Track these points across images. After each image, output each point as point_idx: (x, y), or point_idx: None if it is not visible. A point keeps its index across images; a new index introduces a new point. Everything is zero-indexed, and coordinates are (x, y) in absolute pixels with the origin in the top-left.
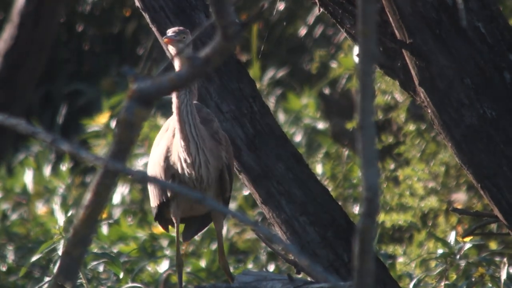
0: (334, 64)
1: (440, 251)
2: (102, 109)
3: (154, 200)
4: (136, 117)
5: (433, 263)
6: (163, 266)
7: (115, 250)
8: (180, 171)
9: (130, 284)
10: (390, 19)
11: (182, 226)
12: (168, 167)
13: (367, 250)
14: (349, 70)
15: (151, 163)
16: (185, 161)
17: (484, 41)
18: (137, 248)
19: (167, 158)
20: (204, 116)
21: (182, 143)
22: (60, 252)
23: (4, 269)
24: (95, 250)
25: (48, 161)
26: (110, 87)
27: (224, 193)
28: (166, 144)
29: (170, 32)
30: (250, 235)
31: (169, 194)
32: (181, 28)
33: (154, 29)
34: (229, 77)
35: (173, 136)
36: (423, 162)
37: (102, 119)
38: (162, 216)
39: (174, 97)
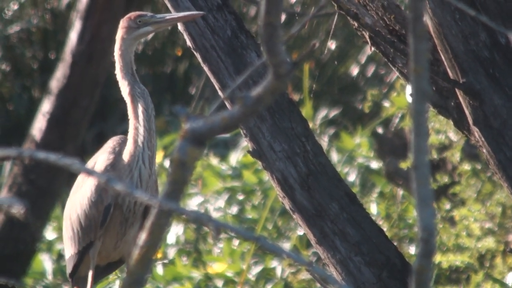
0: (386, 103)
1: None
2: None
3: (76, 245)
4: (189, 157)
5: None
6: None
7: None
8: (132, 171)
9: None
10: (443, 57)
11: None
12: (102, 198)
13: None
14: (402, 109)
15: (75, 205)
16: (145, 154)
17: None
18: None
19: (101, 191)
20: None
21: (146, 135)
22: None
23: None
24: None
25: None
26: (162, 126)
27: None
28: (101, 170)
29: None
30: (305, 275)
31: (97, 234)
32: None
33: (205, 68)
34: (281, 116)
35: (114, 154)
36: (479, 202)
37: None
38: (75, 273)
39: (136, 98)
